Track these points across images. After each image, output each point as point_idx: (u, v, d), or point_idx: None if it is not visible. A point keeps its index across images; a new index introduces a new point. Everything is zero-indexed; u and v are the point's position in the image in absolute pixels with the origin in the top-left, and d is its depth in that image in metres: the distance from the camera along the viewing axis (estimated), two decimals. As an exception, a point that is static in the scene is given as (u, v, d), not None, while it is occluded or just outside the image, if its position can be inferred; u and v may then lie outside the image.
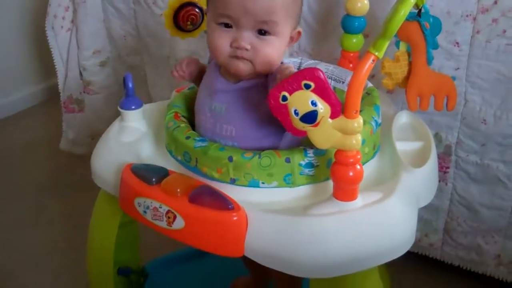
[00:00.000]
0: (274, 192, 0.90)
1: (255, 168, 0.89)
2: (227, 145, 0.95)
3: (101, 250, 1.14)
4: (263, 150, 0.90)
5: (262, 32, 0.92)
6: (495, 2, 1.17)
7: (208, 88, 1.01)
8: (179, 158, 0.97)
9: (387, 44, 0.79)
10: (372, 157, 1.00)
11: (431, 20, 1.11)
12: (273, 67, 0.94)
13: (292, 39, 0.98)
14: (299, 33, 0.99)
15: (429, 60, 1.12)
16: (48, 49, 1.84)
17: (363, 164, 0.94)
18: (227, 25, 0.93)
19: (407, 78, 1.15)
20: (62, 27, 1.80)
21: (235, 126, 0.95)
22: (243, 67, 0.93)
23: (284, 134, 0.95)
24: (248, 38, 0.92)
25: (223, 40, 0.93)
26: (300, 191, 0.91)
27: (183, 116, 1.03)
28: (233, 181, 0.90)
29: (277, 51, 0.94)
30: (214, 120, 0.97)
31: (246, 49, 0.92)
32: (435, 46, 1.12)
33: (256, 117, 0.94)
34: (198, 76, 1.08)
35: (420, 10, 1.11)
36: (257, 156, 0.88)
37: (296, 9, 0.96)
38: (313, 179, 0.91)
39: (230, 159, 0.89)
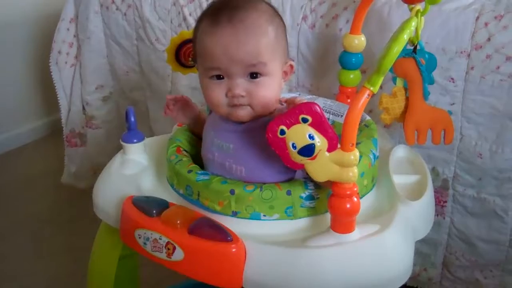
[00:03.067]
0: (275, 224, 0.92)
1: (256, 201, 0.90)
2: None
3: (101, 282, 1.14)
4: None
5: (253, 76, 0.93)
6: (488, 39, 1.19)
7: (214, 129, 1.01)
8: (181, 191, 0.98)
9: (381, 79, 0.81)
10: (371, 189, 1.01)
11: (426, 56, 1.14)
12: (271, 106, 0.96)
13: (285, 73, 1.00)
14: (291, 66, 1.00)
15: (426, 95, 1.15)
16: (51, 84, 1.87)
17: (362, 196, 0.96)
18: (218, 77, 0.94)
19: (404, 113, 1.17)
20: (66, 62, 1.84)
21: (244, 166, 0.96)
22: (243, 113, 0.95)
23: None
24: (241, 84, 0.93)
25: (218, 93, 0.95)
26: (301, 223, 0.92)
27: (184, 150, 1.05)
28: (234, 214, 0.92)
29: (272, 90, 0.96)
30: (222, 160, 0.98)
31: (242, 96, 0.93)
32: (431, 81, 1.15)
33: (265, 156, 0.93)
34: (191, 116, 1.10)
35: (415, 46, 1.14)
36: (258, 189, 0.90)
37: (281, 45, 0.97)
38: (314, 211, 0.92)
39: (232, 192, 0.90)
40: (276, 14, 0.98)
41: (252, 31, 0.92)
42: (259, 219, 0.91)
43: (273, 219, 0.91)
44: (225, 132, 0.98)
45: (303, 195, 0.90)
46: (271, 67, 0.94)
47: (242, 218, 0.91)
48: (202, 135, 1.06)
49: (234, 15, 0.92)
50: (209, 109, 1.07)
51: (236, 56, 0.91)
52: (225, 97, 0.94)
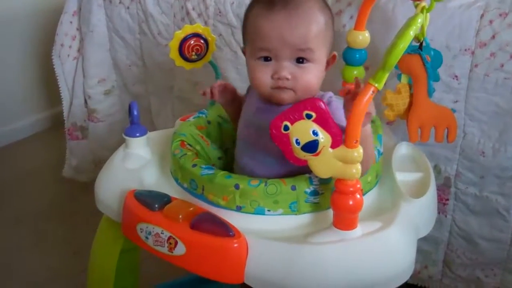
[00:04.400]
0: (280, 219, 0.92)
1: (261, 196, 0.90)
2: (265, 161, 0.98)
3: (102, 276, 1.14)
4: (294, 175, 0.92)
5: (300, 61, 0.97)
6: (493, 37, 1.19)
7: (253, 108, 1.05)
8: (185, 185, 0.98)
9: (386, 76, 0.80)
10: (375, 185, 1.01)
11: (432, 53, 1.14)
12: (313, 92, 0.99)
13: (328, 63, 1.02)
14: (334, 56, 1.03)
15: (430, 92, 1.14)
16: (53, 77, 1.87)
17: (366, 193, 0.96)
18: (266, 59, 0.98)
19: (408, 109, 1.17)
20: (68, 55, 1.84)
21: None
22: (286, 96, 0.98)
23: None
24: (288, 68, 0.97)
25: (264, 74, 0.98)
26: (305, 219, 0.92)
27: (189, 145, 1.04)
28: (239, 209, 0.92)
29: (316, 77, 0.99)
30: (258, 138, 1.00)
31: (287, 79, 0.96)
32: (436, 78, 1.15)
33: None
34: (231, 99, 1.13)
35: (421, 43, 1.13)
36: (263, 184, 0.90)
37: (328, 35, 1.00)
38: (318, 207, 0.92)
39: (237, 186, 0.90)
40: (326, 5, 1.02)
41: (305, 18, 0.96)
42: (264, 214, 0.91)
43: (277, 214, 0.91)
44: (265, 112, 1.00)
45: (308, 190, 0.90)
46: (317, 55, 0.97)
47: (246, 212, 0.91)
48: (233, 113, 1.13)
49: (289, 1, 0.96)
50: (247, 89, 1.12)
51: (287, 39, 0.95)
52: (270, 78, 0.98)
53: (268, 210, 0.91)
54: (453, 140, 1.18)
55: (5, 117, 2.47)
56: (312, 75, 0.98)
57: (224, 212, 0.92)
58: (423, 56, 1.12)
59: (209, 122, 1.15)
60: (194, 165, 0.96)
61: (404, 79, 1.16)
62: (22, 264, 1.70)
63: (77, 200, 1.97)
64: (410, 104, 1.17)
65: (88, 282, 1.19)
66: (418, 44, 1.14)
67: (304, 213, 0.92)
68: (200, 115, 1.15)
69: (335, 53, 1.04)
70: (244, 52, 1.06)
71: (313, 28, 0.96)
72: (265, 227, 0.90)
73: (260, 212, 0.91)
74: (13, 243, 1.81)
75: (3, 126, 2.48)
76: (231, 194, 0.91)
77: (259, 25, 0.98)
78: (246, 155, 1.05)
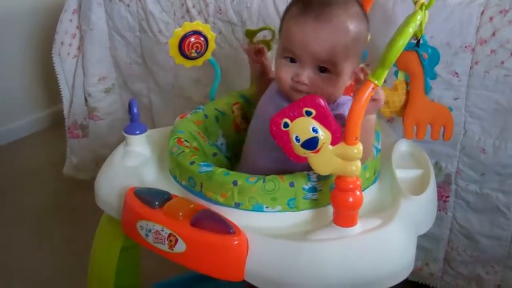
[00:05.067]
0: (278, 216, 0.91)
1: (259, 192, 0.90)
2: (272, 155, 0.98)
3: (103, 274, 1.14)
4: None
5: (322, 70, 0.98)
6: (493, 34, 1.19)
7: (273, 98, 1.06)
8: (184, 183, 0.98)
9: (386, 73, 0.80)
10: (373, 182, 1.01)
11: (429, 50, 1.14)
12: (331, 99, 1.00)
13: (355, 74, 1.01)
14: (362, 69, 1.02)
15: (427, 90, 1.14)
16: (54, 75, 1.87)
17: (364, 189, 0.96)
18: (292, 60, 1.00)
19: (404, 106, 1.17)
20: (68, 53, 1.84)
21: None
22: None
23: None
24: (308, 74, 0.98)
25: (286, 74, 1.00)
26: (304, 216, 0.92)
27: (186, 141, 1.04)
28: (237, 205, 0.91)
29: (334, 88, 0.99)
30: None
31: (305, 84, 0.98)
32: (433, 76, 1.14)
33: None
34: (262, 71, 1.16)
35: (418, 40, 1.13)
36: (261, 181, 0.90)
37: (357, 49, 1.00)
38: (317, 204, 0.92)
39: (235, 183, 0.90)
40: (364, 18, 1.01)
41: (334, 31, 0.96)
42: (262, 210, 0.91)
43: (275, 211, 0.91)
44: (282, 102, 1.01)
45: (306, 187, 0.90)
46: (340, 67, 0.98)
47: (244, 209, 0.91)
48: (260, 86, 1.17)
49: (323, 12, 0.96)
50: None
51: (312, 48, 0.96)
52: (290, 80, 1.00)
53: (267, 207, 0.91)
54: (449, 139, 1.18)
55: (5, 115, 2.47)
56: (331, 86, 0.98)
57: (222, 209, 0.91)
58: (420, 54, 1.12)
59: (206, 116, 1.15)
60: (192, 163, 0.96)
61: (401, 75, 1.16)
62: (23, 262, 1.71)
63: (78, 198, 1.97)
64: (407, 101, 1.17)
65: (88, 280, 1.19)
66: (415, 41, 1.13)
67: (303, 210, 0.92)
68: (197, 110, 1.15)
69: (363, 66, 1.04)
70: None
71: (340, 43, 0.96)
72: (264, 224, 0.90)
73: (258, 209, 0.91)
74: (14, 241, 1.81)
75: (4, 125, 2.48)
76: (229, 191, 0.91)
77: (290, 27, 1.00)
78: (254, 144, 1.06)
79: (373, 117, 0.94)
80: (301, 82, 0.98)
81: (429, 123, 1.16)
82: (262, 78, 1.18)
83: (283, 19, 1.04)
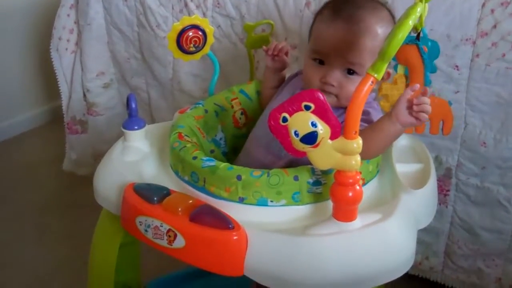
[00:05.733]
0: (283, 210, 0.91)
1: (264, 187, 0.89)
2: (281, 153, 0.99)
3: (102, 269, 1.14)
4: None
5: (350, 72, 1.02)
6: (494, 26, 1.18)
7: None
8: (186, 178, 0.97)
9: (385, 66, 0.80)
10: (375, 175, 1.01)
11: (429, 43, 1.12)
12: None
13: (382, 78, 1.01)
14: (388, 73, 1.07)
15: (427, 84, 1.13)
16: (52, 71, 1.86)
17: (367, 182, 0.96)
18: (320, 61, 1.03)
19: None
20: (66, 49, 1.83)
21: None
22: (329, 100, 0.98)
23: None
24: (336, 76, 1.02)
25: (314, 75, 1.03)
26: (308, 209, 0.92)
27: (186, 136, 1.04)
28: (241, 200, 0.91)
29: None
30: None
31: (333, 85, 1.01)
32: (433, 69, 1.13)
33: None
34: (282, 67, 1.17)
35: (418, 33, 1.12)
36: (265, 175, 0.89)
37: None
38: (321, 197, 0.92)
39: (239, 177, 0.90)
40: (392, 23, 1.04)
41: (363, 35, 0.99)
42: (266, 205, 0.90)
43: (280, 205, 0.90)
44: None
45: (310, 180, 0.90)
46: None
47: (249, 204, 0.91)
48: (272, 83, 1.18)
49: (354, 15, 1.00)
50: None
51: (341, 50, 1.00)
52: (318, 81, 1.03)
53: (271, 201, 0.90)
54: (448, 133, 1.17)
55: (4, 111, 2.47)
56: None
57: (226, 204, 0.91)
58: (420, 47, 1.11)
59: (206, 111, 1.15)
60: (195, 158, 0.95)
61: (400, 69, 1.15)
62: (23, 257, 1.70)
63: (77, 194, 1.97)
64: None
65: (88, 275, 1.19)
66: (415, 34, 1.12)
67: (307, 203, 0.91)
68: (197, 105, 1.15)
69: (390, 71, 1.07)
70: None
71: (368, 45, 0.99)
72: (268, 218, 0.90)
73: (263, 203, 0.90)
74: (14, 236, 1.81)
75: (3, 121, 2.48)
76: (233, 186, 0.90)
77: (320, 29, 1.04)
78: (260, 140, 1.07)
79: (401, 129, 0.94)
80: (329, 83, 1.01)
81: (428, 117, 1.15)
82: (278, 74, 1.19)
83: (314, 21, 1.08)
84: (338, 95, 1.02)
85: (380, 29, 1.01)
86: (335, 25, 1.00)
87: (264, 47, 1.17)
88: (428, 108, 0.90)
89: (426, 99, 0.90)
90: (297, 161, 0.92)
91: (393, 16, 1.06)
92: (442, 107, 1.14)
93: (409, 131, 1.16)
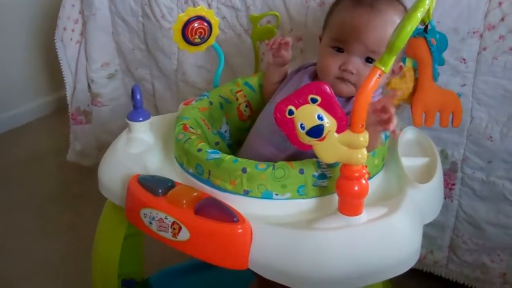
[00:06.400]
0: (287, 204, 0.91)
1: (269, 179, 0.89)
2: (285, 146, 0.97)
3: (106, 261, 1.14)
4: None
5: (369, 60, 1.02)
6: (502, 19, 1.17)
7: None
8: (191, 170, 0.97)
9: (393, 59, 0.79)
10: (381, 169, 1.00)
11: (437, 36, 1.12)
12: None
13: (393, 72, 1.06)
14: (400, 67, 1.08)
15: (435, 76, 1.13)
16: (57, 61, 1.86)
17: (373, 176, 0.95)
18: (339, 49, 1.03)
19: (412, 94, 1.15)
20: (71, 39, 1.82)
21: None
22: (345, 89, 1.03)
23: None
24: (356, 63, 1.02)
25: (333, 62, 1.03)
26: (313, 203, 0.91)
27: (191, 127, 1.04)
28: (246, 193, 0.91)
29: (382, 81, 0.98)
30: None
31: (352, 73, 1.01)
32: (441, 62, 1.13)
33: None
34: (284, 62, 1.15)
35: (426, 26, 1.11)
36: (271, 168, 0.89)
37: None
38: (326, 191, 0.91)
39: (244, 170, 0.89)
40: None
41: (384, 23, 1.00)
42: (271, 198, 0.90)
43: (285, 198, 0.90)
44: None
45: (316, 173, 0.89)
46: None
47: (253, 197, 0.90)
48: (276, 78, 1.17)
49: (376, 4, 1.01)
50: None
51: (362, 38, 1.00)
52: (337, 69, 1.02)
53: (276, 194, 0.90)
54: (458, 125, 1.16)
55: (9, 101, 2.47)
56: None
57: (231, 196, 0.91)
58: (428, 39, 1.10)
59: (211, 103, 1.14)
60: (200, 150, 0.95)
61: (408, 62, 1.14)
62: (27, 248, 1.71)
63: (82, 185, 1.97)
64: (415, 88, 1.15)
65: (92, 266, 1.19)
66: (423, 27, 1.12)
67: (312, 197, 0.91)
68: (202, 97, 1.14)
69: (402, 64, 1.08)
70: (320, 38, 1.10)
71: (388, 34, 0.96)
72: (273, 211, 0.90)
73: (267, 196, 0.90)
74: (18, 227, 1.81)
75: (7, 111, 2.48)
76: (238, 178, 0.90)
77: (342, 18, 1.04)
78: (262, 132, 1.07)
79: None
80: (348, 70, 1.01)
81: (438, 110, 1.15)
82: (279, 70, 1.17)
83: (331, 13, 1.09)
84: (355, 83, 1.02)
85: (398, 21, 1.00)
86: (358, 13, 1.01)
87: (266, 41, 1.16)
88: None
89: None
90: (299, 154, 0.92)
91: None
92: (452, 99, 1.14)
93: (419, 124, 1.15)
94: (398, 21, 0.98)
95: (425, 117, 1.15)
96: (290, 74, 1.16)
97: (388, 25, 1.00)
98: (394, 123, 0.88)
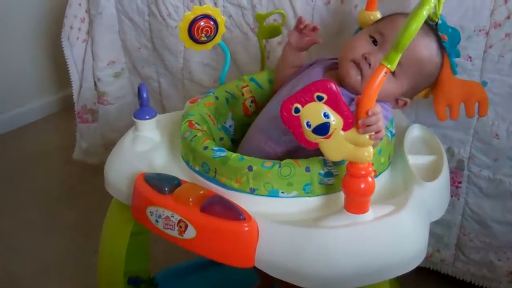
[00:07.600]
0: (294, 202, 0.91)
1: (275, 177, 0.89)
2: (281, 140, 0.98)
3: (112, 258, 1.14)
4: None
5: None
6: (508, 17, 1.17)
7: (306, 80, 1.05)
8: (197, 168, 0.97)
9: (399, 56, 0.79)
10: (387, 167, 1.00)
11: (450, 30, 1.11)
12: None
13: (396, 101, 1.07)
14: (405, 102, 1.08)
15: (454, 70, 1.11)
16: (63, 59, 1.86)
17: (379, 174, 0.95)
18: (374, 41, 1.04)
19: (432, 89, 1.15)
20: (77, 38, 1.83)
21: None
22: (354, 78, 1.02)
23: None
24: (378, 58, 0.99)
25: (361, 47, 1.04)
26: (319, 201, 0.91)
27: (197, 124, 1.04)
28: (252, 191, 0.91)
29: (388, 87, 0.99)
30: None
31: (369, 64, 1.01)
32: (457, 54, 1.12)
33: None
34: (301, 51, 1.16)
35: (436, 23, 1.10)
36: (277, 166, 0.89)
37: (422, 78, 1.06)
38: (333, 189, 0.91)
39: (250, 168, 0.89)
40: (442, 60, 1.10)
41: (428, 53, 1.04)
42: (278, 196, 0.90)
43: (291, 196, 0.90)
44: None
45: (322, 172, 0.89)
46: (402, 75, 1.02)
47: (260, 195, 0.90)
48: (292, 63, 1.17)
49: (433, 38, 1.05)
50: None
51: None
52: (360, 54, 1.03)
53: (282, 192, 0.90)
54: (485, 114, 1.15)
55: (15, 99, 2.48)
56: (388, 82, 0.97)
57: (237, 195, 0.91)
58: (439, 36, 1.09)
59: (217, 98, 1.15)
60: (205, 148, 0.95)
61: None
62: (33, 246, 1.71)
63: (88, 183, 1.98)
64: (435, 84, 1.14)
65: (98, 264, 1.19)
66: (434, 23, 1.11)
67: (319, 195, 0.91)
68: (208, 94, 1.15)
69: (409, 100, 1.07)
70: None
71: (419, 62, 1.03)
72: (279, 209, 0.90)
73: (274, 194, 0.90)
74: (23, 224, 1.82)
75: (14, 109, 2.49)
76: (244, 176, 0.90)
77: (393, 16, 1.07)
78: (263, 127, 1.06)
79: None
80: (367, 59, 1.01)
81: (462, 102, 1.14)
82: (298, 54, 1.17)
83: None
84: (364, 78, 1.01)
85: (436, 56, 1.07)
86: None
87: (297, 20, 1.14)
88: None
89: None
90: (298, 148, 0.91)
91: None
92: (476, 89, 1.13)
93: (443, 119, 1.14)
94: (436, 55, 1.05)
95: (450, 110, 1.15)
96: (306, 66, 1.16)
97: (425, 59, 1.04)
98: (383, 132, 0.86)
